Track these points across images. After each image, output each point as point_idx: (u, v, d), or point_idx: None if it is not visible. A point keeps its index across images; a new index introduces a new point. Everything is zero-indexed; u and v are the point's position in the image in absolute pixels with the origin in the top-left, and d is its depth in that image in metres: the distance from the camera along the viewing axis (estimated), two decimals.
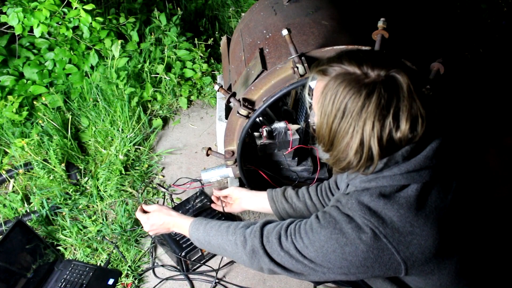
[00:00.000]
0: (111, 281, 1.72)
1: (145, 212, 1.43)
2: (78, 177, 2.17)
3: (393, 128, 0.84)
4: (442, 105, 0.91)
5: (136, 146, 2.38)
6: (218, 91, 1.53)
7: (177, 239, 1.77)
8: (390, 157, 0.90)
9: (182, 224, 1.31)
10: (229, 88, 1.86)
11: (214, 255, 1.89)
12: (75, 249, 1.90)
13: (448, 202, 0.92)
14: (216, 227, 1.20)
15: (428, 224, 0.89)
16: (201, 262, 1.84)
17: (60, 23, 2.34)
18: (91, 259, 1.87)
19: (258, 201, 1.49)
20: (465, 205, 0.96)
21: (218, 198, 1.63)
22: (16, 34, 2.33)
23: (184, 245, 1.75)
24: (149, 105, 2.67)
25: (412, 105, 0.83)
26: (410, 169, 0.90)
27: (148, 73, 2.68)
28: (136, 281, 1.79)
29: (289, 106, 1.92)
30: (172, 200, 2.03)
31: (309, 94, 1.03)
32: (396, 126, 0.84)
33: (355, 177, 0.99)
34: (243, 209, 1.55)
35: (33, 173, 2.17)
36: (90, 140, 2.40)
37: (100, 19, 2.40)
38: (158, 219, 1.37)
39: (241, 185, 1.82)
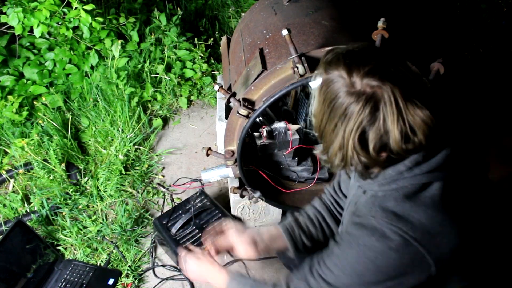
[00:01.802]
0: (111, 281, 1.72)
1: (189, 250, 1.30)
2: (78, 177, 2.17)
3: (383, 138, 0.84)
4: (448, 109, 0.90)
5: (136, 146, 2.38)
6: (218, 91, 1.53)
7: (177, 239, 1.77)
8: (394, 164, 0.90)
9: (219, 280, 1.20)
10: (229, 88, 1.86)
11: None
12: (75, 249, 1.90)
13: (467, 199, 0.92)
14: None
15: (455, 222, 0.88)
16: None
17: (60, 23, 2.34)
18: (91, 259, 1.87)
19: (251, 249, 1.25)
20: (478, 204, 0.95)
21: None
22: (16, 34, 2.33)
23: (184, 245, 1.75)
24: (149, 105, 2.67)
25: (399, 118, 0.82)
26: (431, 168, 0.89)
27: (148, 73, 2.68)
28: (136, 281, 1.79)
29: (289, 106, 1.92)
30: (172, 200, 2.03)
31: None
32: (387, 138, 0.84)
33: (372, 182, 0.96)
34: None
35: (33, 173, 2.17)
36: (90, 140, 2.40)
37: (100, 19, 2.40)
38: (195, 267, 1.25)
39: (241, 185, 1.81)
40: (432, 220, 0.87)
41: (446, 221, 0.88)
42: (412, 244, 0.86)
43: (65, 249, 1.90)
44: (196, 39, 2.86)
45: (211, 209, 1.90)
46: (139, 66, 2.70)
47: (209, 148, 1.70)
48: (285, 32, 1.39)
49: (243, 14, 2.82)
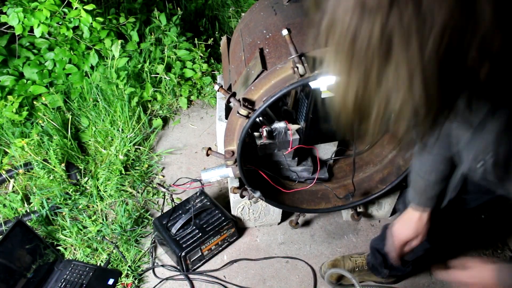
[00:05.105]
0: (111, 281, 1.72)
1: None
2: (78, 177, 2.17)
3: None
4: None
5: (136, 146, 2.38)
6: (218, 91, 1.53)
7: (177, 239, 1.77)
8: None
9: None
10: (229, 88, 1.86)
11: (214, 255, 1.89)
12: (75, 249, 1.90)
13: None
14: None
15: None
16: (201, 262, 1.84)
17: (60, 23, 2.34)
18: (91, 259, 1.87)
19: None
20: None
21: None
22: (16, 34, 2.33)
23: (184, 245, 1.75)
24: (149, 105, 2.67)
25: None
26: None
27: (148, 73, 2.68)
28: (136, 281, 1.79)
29: (289, 106, 1.92)
30: (172, 200, 2.03)
31: None
32: None
33: None
34: None
35: (33, 173, 2.17)
36: (90, 140, 2.40)
37: (100, 19, 2.40)
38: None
39: (241, 185, 1.81)
40: None
41: None
42: None
43: (65, 249, 1.90)
44: (196, 39, 2.86)
45: (211, 209, 1.90)
46: (139, 66, 2.70)
47: (209, 148, 1.70)
48: (285, 32, 1.39)
49: (243, 14, 2.82)
